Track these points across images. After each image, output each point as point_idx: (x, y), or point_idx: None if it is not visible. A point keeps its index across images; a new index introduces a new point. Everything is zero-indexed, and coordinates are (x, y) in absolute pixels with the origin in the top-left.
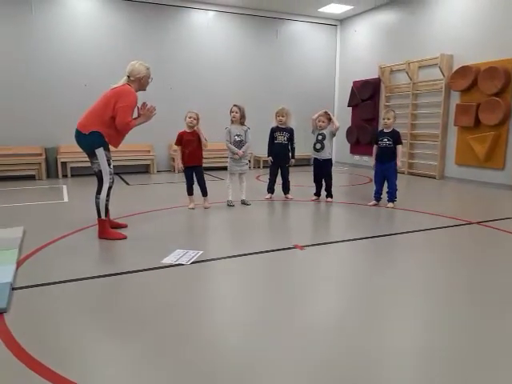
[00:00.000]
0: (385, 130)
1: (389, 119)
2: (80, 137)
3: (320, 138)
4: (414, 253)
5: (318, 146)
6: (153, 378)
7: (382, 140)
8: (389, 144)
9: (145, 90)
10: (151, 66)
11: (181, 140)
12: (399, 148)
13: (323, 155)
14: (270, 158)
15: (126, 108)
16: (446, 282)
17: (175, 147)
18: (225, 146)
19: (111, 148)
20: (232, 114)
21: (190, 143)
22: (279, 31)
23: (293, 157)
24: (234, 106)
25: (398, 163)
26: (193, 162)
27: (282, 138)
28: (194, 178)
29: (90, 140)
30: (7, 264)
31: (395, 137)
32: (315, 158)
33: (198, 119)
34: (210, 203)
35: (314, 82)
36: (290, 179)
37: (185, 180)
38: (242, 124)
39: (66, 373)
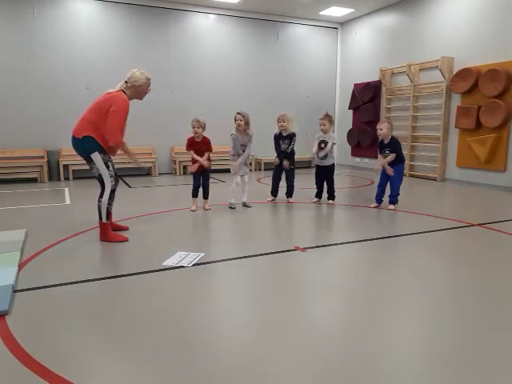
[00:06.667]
0: (385, 142)
1: (381, 129)
2: (74, 142)
3: (323, 145)
4: (415, 255)
5: (322, 154)
6: (153, 381)
7: (384, 151)
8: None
9: (141, 99)
10: (153, 69)
11: (192, 146)
12: (391, 155)
13: (326, 162)
14: (285, 162)
15: (117, 112)
16: (447, 284)
17: (177, 150)
18: (225, 149)
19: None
20: (236, 122)
21: (199, 152)
22: (280, 34)
23: (288, 160)
24: (238, 113)
25: (379, 163)
26: (202, 167)
27: (285, 146)
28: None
29: (83, 145)
30: (9, 266)
31: (393, 147)
32: (318, 165)
33: (202, 126)
34: (212, 205)
35: (315, 84)
36: (294, 183)
37: (189, 183)
38: (246, 131)
39: (66, 374)
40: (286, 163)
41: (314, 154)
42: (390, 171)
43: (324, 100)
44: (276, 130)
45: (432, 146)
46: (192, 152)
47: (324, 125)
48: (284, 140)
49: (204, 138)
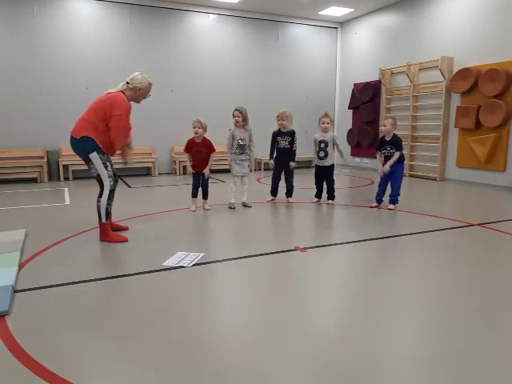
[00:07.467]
0: (386, 138)
1: (385, 126)
2: (72, 142)
3: (323, 145)
4: (415, 255)
5: (322, 154)
6: (153, 381)
7: (384, 149)
8: (392, 152)
9: (138, 102)
10: (153, 69)
11: (190, 148)
12: (396, 154)
13: (326, 163)
14: (272, 161)
15: (121, 117)
16: (447, 284)
17: (177, 150)
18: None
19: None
20: (234, 118)
21: (199, 154)
22: (280, 34)
23: (293, 160)
24: (236, 110)
25: (386, 166)
26: (202, 169)
27: (284, 143)
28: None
29: (81, 145)
30: (9, 266)
31: (396, 144)
32: (317, 165)
33: (203, 127)
34: (212, 205)
35: (315, 84)
36: (293, 183)
37: (189, 183)
38: (245, 127)
39: (66, 374)
40: (292, 164)
41: (316, 142)
42: (385, 170)
43: (324, 100)
44: (275, 128)
45: (432, 145)
46: (189, 156)
47: (327, 123)
48: (283, 136)
49: (204, 138)
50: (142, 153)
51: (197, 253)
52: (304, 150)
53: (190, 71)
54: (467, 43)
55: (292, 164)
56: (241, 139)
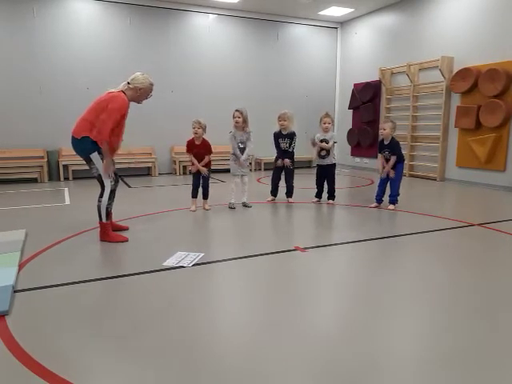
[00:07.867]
0: (385, 142)
1: (384, 129)
2: (74, 142)
3: (325, 144)
4: (415, 255)
5: (324, 152)
6: (153, 381)
7: (383, 152)
8: (390, 156)
9: (139, 103)
10: (153, 69)
11: (191, 150)
12: (392, 158)
13: (328, 161)
14: (286, 160)
15: (113, 110)
16: (447, 284)
17: (177, 150)
18: (225, 149)
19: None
20: (235, 119)
21: (199, 155)
22: (280, 34)
23: (286, 158)
24: (236, 110)
25: (385, 169)
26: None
27: (284, 145)
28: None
29: (82, 145)
30: (9, 266)
31: (392, 149)
32: (319, 165)
33: (202, 128)
34: (212, 205)
35: (315, 84)
36: (293, 183)
37: (189, 183)
38: (244, 129)
39: (66, 374)
40: (287, 161)
41: (317, 140)
42: (392, 174)
43: (324, 100)
44: (275, 129)
45: (432, 145)
46: (191, 156)
47: (329, 123)
48: (284, 138)
49: (204, 140)
50: (142, 153)
51: (197, 253)
52: (304, 151)
53: (190, 71)
54: (467, 43)
55: (286, 161)
56: (241, 142)
